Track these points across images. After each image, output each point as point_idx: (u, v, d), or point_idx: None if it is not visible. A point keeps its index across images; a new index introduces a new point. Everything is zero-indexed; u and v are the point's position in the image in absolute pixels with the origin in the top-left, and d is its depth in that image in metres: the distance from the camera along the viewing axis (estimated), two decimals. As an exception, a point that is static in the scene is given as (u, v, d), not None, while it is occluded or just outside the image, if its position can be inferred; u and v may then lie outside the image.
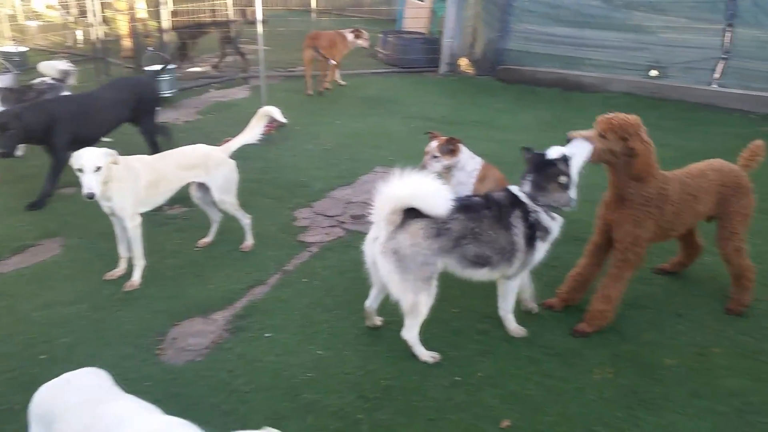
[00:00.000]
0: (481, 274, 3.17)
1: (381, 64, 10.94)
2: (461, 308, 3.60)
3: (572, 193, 3.14)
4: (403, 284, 2.95)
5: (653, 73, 8.87)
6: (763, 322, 3.50)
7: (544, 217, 3.13)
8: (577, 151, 3.12)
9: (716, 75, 8.51)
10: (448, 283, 3.73)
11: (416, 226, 2.92)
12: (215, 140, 6.19)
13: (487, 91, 9.06)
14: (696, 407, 2.85)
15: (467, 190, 3.96)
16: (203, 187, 4.10)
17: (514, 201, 3.14)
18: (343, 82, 9.29)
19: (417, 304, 3.00)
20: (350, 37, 8.94)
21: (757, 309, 3.61)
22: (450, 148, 3.95)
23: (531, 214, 3.11)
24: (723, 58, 8.44)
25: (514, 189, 3.20)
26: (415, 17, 11.44)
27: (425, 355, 3.13)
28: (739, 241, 3.51)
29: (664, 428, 2.72)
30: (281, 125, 6.81)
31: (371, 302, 3.33)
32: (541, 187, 3.11)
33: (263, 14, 12.15)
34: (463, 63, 10.08)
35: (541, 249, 3.19)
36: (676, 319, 3.53)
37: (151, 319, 3.50)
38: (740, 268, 3.54)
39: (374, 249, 3.00)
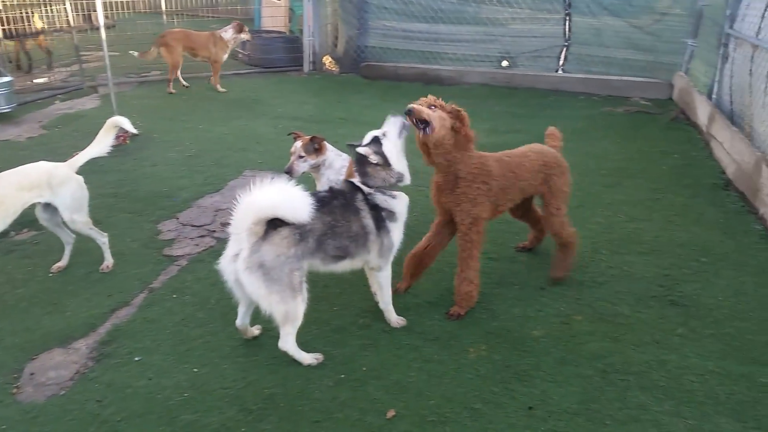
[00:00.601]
0: (342, 266, 3.18)
1: (242, 64, 10.67)
2: (341, 306, 3.59)
3: (400, 167, 3.23)
4: (275, 296, 2.85)
5: (505, 63, 9.39)
6: (617, 287, 3.81)
7: (381, 198, 3.19)
8: (391, 127, 3.24)
9: (561, 62, 9.18)
10: (325, 282, 3.73)
11: (279, 236, 2.84)
12: (64, 155, 5.71)
13: (352, 88, 9.13)
14: (564, 374, 3.04)
15: None
16: (50, 207, 3.76)
17: (354, 188, 3.21)
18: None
19: (291, 312, 2.92)
20: (229, 34, 8.64)
21: (611, 275, 3.93)
22: (315, 147, 3.93)
23: (369, 197, 3.18)
24: (565, 46, 9.12)
25: (353, 179, 3.27)
26: (273, 16, 11.27)
27: (308, 358, 3.09)
28: (563, 215, 3.79)
29: (537, 397, 2.87)
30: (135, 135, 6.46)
31: (241, 319, 3.20)
32: (365, 173, 3.21)
33: (111, 19, 11.46)
34: (327, 61, 10.09)
35: (395, 230, 3.24)
36: (540, 292, 3.75)
37: (3, 357, 3.17)
38: (567, 237, 3.83)
39: (236, 266, 2.84)
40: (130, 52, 8.92)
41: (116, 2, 10.36)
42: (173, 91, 8.56)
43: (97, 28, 7.05)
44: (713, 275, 3.94)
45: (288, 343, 3.02)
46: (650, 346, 3.24)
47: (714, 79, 6.95)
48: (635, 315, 3.52)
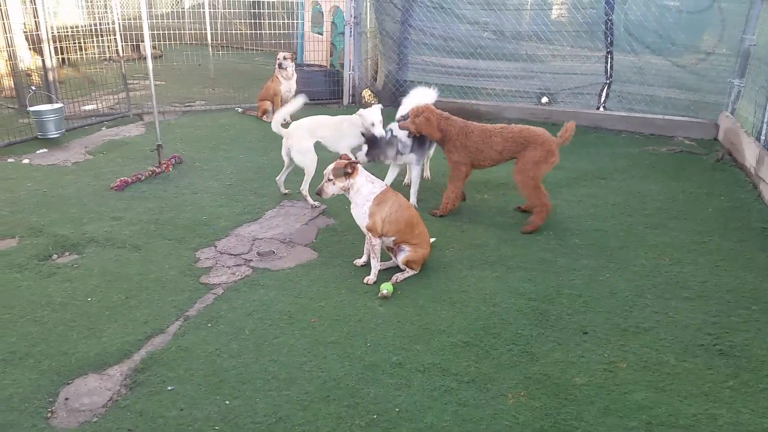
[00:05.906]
0: None
1: (283, 97, 10.82)
2: (373, 342, 3.52)
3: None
4: None
5: (544, 100, 9.33)
6: (662, 334, 3.64)
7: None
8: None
9: (602, 99, 9.08)
10: (359, 317, 3.68)
11: None
12: (108, 180, 5.87)
13: (389, 120, 9.15)
14: (607, 425, 2.90)
15: (363, 213, 4.15)
16: None
17: None
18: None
19: None
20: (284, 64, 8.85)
21: (656, 321, 3.77)
22: (346, 172, 4.07)
23: None
24: (607, 83, 9.03)
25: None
26: (314, 50, 11.48)
27: None
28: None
29: (579, 448, 2.75)
30: (179, 162, 6.57)
31: None
32: None
33: (158, 49, 11.84)
34: (367, 94, 10.19)
35: None
36: (582, 336, 3.62)
37: (38, 380, 3.18)
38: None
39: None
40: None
41: (164, 33, 10.69)
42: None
43: (145, 58, 7.25)
44: (765, 324, 3.76)
45: None
46: (698, 399, 3.08)
47: (763, 120, 6.75)
48: (681, 364, 3.36)
